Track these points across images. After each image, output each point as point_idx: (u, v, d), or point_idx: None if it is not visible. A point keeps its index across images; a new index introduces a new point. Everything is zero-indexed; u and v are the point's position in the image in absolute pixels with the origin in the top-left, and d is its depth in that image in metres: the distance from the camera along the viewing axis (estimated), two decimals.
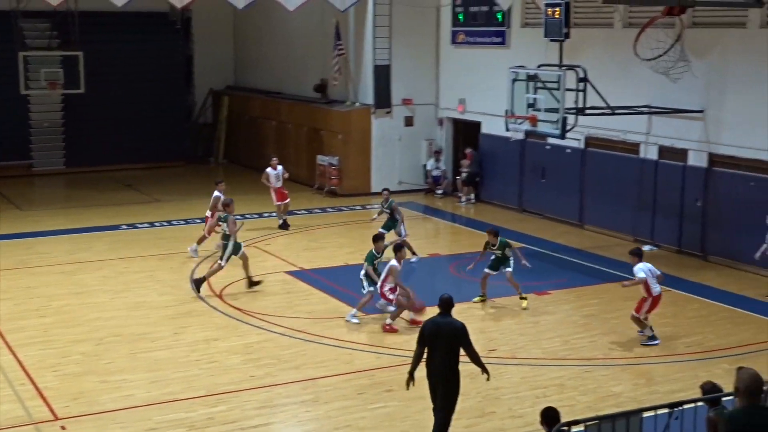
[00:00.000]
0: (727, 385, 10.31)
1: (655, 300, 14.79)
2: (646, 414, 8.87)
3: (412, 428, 11.76)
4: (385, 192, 20.56)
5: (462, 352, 10.75)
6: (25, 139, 31.29)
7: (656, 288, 14.73)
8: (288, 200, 23.06)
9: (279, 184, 22.91)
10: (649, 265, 14.86)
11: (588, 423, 8.51)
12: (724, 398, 9.38)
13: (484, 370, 10.94)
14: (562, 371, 13.71)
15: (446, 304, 10.86)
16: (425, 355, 10.80)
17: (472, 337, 13.59)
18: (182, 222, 23.99)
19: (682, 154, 20.38)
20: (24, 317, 16.12)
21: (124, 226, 23.35)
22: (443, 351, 10.63)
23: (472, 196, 26.28)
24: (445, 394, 10.74)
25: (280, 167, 23.05)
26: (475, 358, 10.83)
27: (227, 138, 34.51)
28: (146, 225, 23.59)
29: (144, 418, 11.98)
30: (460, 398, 12.27)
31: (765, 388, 7.39)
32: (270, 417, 12.16)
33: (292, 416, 12.29)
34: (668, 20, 18.59)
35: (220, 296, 17.35)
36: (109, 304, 16.97)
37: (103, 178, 30.37)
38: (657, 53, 18.02)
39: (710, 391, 9.54)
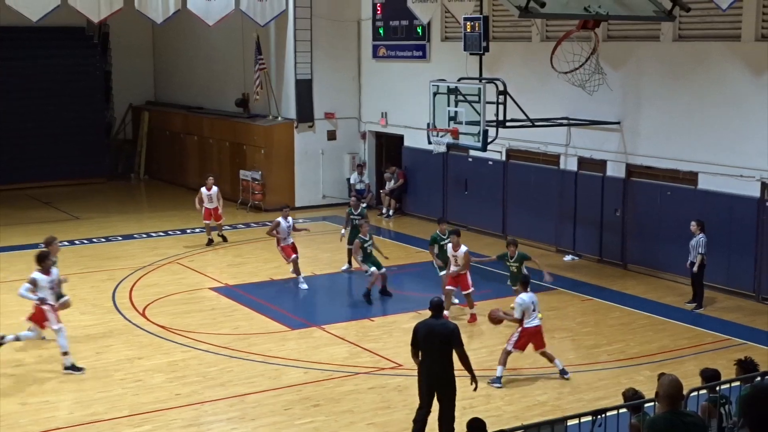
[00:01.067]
0: (650, 391, 10.54)
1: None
2: (570, 422, 8.98)
3: None
4: (353, 199, 20.91)
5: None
6: None
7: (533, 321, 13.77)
8: (221, 221, 22.99)
9: (212, 205, 22.60)
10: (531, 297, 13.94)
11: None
12: (646, 404, 9.59)
13: (473, 377, 11.19)
14: (486, 382, 13.81)
15: (437, 307, 11.27)
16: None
17: (398, 349, 13.67)
18: (103, 239, 23.62)
19: (601, 165, 20.79)
20: None
21: (43, 245, 22.80)
22: (437, 352, 10.94)
23: (394, 209, 26.37)
24: (444, 393, 11.03)
25: (215, 188, 22.78)
26: (465, 361, 11.11)
27: (148, 154, 34.10)
28: (66, 243, 23.11)
29: None
30: (387, 411, 12.34)
31: (684, 393, 7.57)
32: None
33: None
34: (584, 34, 18.94)
35: (143, 314, 17.11)
36: (28, 324, 16.56)
37: (20, 196, 29.72)
38: (573, 66, 18.37)
39: (632, 397, 9.75)
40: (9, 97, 28.92)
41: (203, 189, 22.77)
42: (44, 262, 14.43)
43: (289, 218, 19.39)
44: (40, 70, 31.77)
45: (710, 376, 10.07)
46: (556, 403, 12.91)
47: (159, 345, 15.45)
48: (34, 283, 14.21)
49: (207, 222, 22.68)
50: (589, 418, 9.20)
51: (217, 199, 22.73)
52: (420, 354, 11.11)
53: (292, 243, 19.29)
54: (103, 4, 23.97)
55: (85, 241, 23.41)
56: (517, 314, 13.72)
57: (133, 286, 18.99)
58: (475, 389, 11.32)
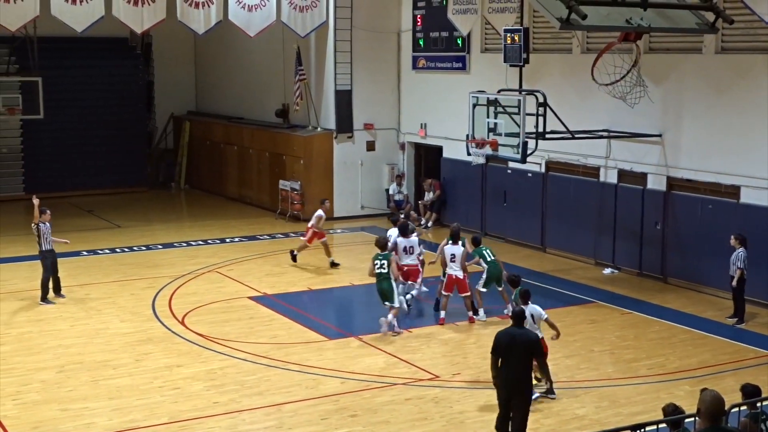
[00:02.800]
0: (690, 406, 10.44)
1: None
2: None
3: None
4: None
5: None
6: None
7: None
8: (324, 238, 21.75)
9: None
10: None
11: None
12: (686, 420, 9.48)
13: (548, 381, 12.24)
14: None
15: (519, 317, 11.70)
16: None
17: (433, 361, 13.70)
18: (143, 248, 23.83)
19: (642, 177, 20.63)
20: None
21: (85, 252, 23.14)
22: (517, 360, 11.25)
23: (432, 221, 26.34)
24: (519, 401, 11.32)
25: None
26: (544, 371, 11.86)
27: (189, 163, 34.38)
28: (107, 251, 23.40)
29: None
30: (425, 422, 12.36)
31: (725, 409, 7.48)
32: None
33: None
34: (625, 46, 18.84)
35: (182, 322, 17.23)
36: (69, 331, 16.78)
37: (63, 204, 30.03)
38: (614, 78, 18.27)
39: (672, 413, 9.65)
40: (53, 106, 29.26)
41: (319, 212, 21.69)
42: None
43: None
44: (83, 80, 32.19)
45: (751, 392, 9.95)
46: (594, 417, 12.81)
47: (198, 353, 15.54)
48: None
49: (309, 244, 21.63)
50: None
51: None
52: (499, 362, 11.40)
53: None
54: (146, 15, 24.25)
55: (126, 250, 23.63)
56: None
57: (172, 295, 19.13)
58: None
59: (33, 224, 18.68)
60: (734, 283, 17.06)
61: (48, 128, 30.66)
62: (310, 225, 21.57)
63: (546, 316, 13.81)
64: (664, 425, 9.56)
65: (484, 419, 12.75)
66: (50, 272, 18.55)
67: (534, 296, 18.30)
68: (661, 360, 15.31)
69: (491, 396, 13.55)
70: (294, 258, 21.59)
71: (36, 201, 18.66)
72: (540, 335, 13.39)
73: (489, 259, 17.50)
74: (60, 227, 26.15)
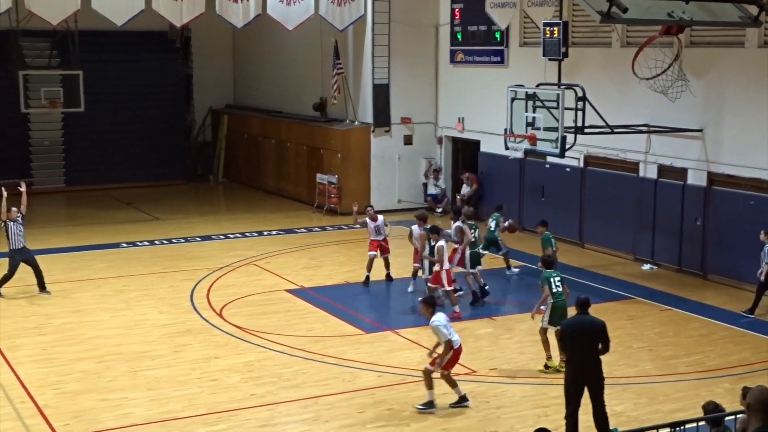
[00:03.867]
0: (729, 404, 10.35)
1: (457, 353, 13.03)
2: None
3: None
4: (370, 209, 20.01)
5: None
6: (25, 157, 31.30)
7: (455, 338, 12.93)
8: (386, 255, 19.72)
9: (378, 237, 19.55)
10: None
11: None
12: (726, 418, 9.37)
13: None
14: (562, 390, 13.65)
15: (585, 304, 11.76)
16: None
17: (471, 356, 13.69)
18: (182, 240, 23.99)
19: (682, 173, 20.42)
20: (23, 335, 16.10)
21: (124, 244, 23.36)
22: (587, 347, 11.41)
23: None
24: (595, 388, 11.49)
25: (380, 218, 19.82)
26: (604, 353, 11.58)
27: (227, 157, 34.56)
28: (146, 243, 23.59)
29: None
30: (460, 417, 12.35)
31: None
32: None
33: None
34: (666, 39, 18.67)
35: (220, 314, 17.33)
36: (109, 322, 16.94)
37: (103, 197, 30.39)
38: (655, 72, 18.08)
39: (712, 411, 9.53)
40: (93, 99, 29.55)
41: (369, 221, 19.70)
42: None
43: (380, 218, 19.64)
44: (123, 73, 32.45)
45: (711, 410, 9.70)
46: (633, 413, 12.71)
47: (235, 345, 15.63)
48: None
49: (372, 253, 19.66)
50: (667, 430, 9.05)
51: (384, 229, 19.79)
52: (567, 351, 11.62)
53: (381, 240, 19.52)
54: (185, 9, 24.41)
55: (165, 242, 23.80)
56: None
57: (210, 287, 19.25)
58: None
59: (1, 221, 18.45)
60: (762, 277, 17.01)
61: (88, 121, 30.95)
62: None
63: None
64: (703, 423, 9.45)
65: (521, 414, 12.72)
66: (14, 272, 18.29)
67: (572, 291, 18.18)
68: (700, 357, 15.16)
69: (528, 391, 13.58)
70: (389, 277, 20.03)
71: (22, 188, 18.65)
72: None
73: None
74: (99, 219, 26.60)
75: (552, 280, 14.42)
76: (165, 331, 16.40)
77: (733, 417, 9.30)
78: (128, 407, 12.90)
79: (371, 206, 20.53)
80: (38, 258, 18.98)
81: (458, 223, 18.00)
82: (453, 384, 12.95)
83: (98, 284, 19.55)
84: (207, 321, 16.94)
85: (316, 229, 25.55)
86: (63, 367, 14.54)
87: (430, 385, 12.83)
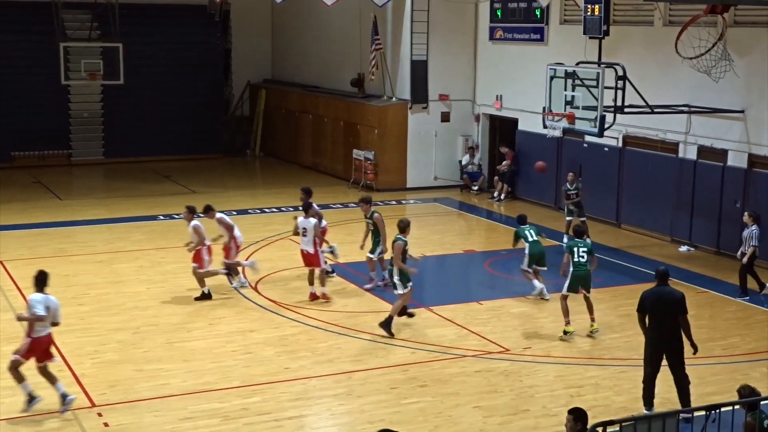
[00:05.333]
0: (764, 388, 10.28)
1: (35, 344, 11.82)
2: (682, 416, 8.78)
3: (445, 423, 11.77)
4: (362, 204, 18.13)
5: None
6: (64, 129, 31.58)
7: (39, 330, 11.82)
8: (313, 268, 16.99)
9: (307, 247, 16.76)
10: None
11: (624, 423, 8.47)
12: (762, 402, 9.30)
13: (693, 345, 11.90)
14: (597, 371, 13.65)
15: (664, 275, 12.10)
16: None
17: (505, 334, 13.67)
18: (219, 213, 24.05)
19: (722, 154, 20.19)
20: (62, 305, 16.22)
21: (162, 217, 23.54)
22: (666, 317, 11.76)
23: (506, 193, 26.15)
24: (675, 356, 11.81)
25: (311, 219, 16.87)
26: (687, 328, 11.85)
27: (264, 131, 34.64)
28: (183, 216, 23.69)
29: (179, 407, 12.09)
30: (493, 395, 12.38)
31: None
32: (304, 409, 12.23)
33: (326, 409, 12.34)
34: (710, 18, 18.41)
35: (255, 288, 17.43)
36: (146, 293, 17.12)
37: (142, 169, 30.61)
38: (699, 52, 17.85)
39: (748, 395, 9.47)
40: (133, 73, 29.76)
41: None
42: None
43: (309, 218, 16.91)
44: (162, 47, 32.59)
45: (747, 394, 9.62)
46: (666, 396, 12.61)
47: (270, 319, 15.73)
48: None
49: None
50: (703, 413, 9.01)
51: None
52: (647, 321, 11.88)
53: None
54: None
55: (201, 215, 23.87)
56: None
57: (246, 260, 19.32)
58: (694, 353, 11.96)
59: None
60: (745, 259, 17.13)
61: (127, 94, 31.14)
62: None
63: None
64: (738, 407, 9.39)
65: (554, 393, 12.72)
66: None
67: (608, 272, 18.17)
68: (736, 341, 15.04)
69: (562, 370, 13.58)
70: None
71: None
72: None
73: (531, 239, 16.99)
74: (138, 191, 26.81)
75: (576, 249, 15.04)
76: (201, 303, 16.53)
77: None
78: (164, 378, 13.06)
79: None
80: (77, 229, 19.20)
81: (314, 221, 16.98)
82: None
83: (136, 256, 19.74)
84: (243, 295, 17.06)
85: (352, 204, 25.50)
86: (100, 337, 14.73)
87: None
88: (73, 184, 29.07)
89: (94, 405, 12.13)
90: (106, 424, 11.59)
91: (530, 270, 17.00)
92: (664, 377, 13.31)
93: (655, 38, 21.31)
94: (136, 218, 23.32)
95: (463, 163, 27.54)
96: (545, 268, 17.06)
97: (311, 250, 16.67)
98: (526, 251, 16.93)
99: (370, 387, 12.86)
